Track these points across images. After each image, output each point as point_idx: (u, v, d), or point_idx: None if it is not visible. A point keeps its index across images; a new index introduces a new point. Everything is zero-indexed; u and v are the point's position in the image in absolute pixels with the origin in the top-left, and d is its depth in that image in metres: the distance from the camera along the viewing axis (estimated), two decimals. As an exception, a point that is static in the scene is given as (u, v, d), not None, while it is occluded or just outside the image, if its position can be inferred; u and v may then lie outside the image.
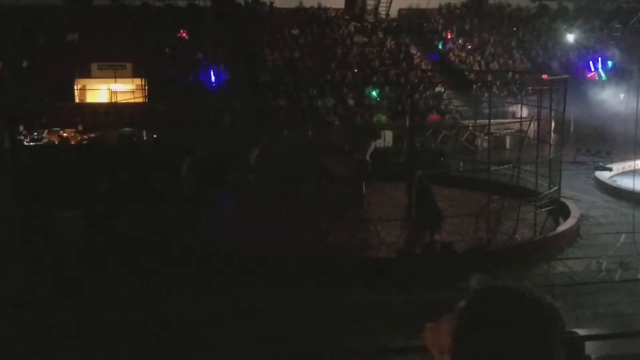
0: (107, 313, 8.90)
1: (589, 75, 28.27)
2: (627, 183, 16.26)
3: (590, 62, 29.37)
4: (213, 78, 25.85)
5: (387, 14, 32.68)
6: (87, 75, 26.48)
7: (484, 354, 1.33)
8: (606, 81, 27.65)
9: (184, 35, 28.18)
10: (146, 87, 23.18)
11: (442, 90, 27.46)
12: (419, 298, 8.94)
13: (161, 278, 10.24)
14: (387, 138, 21.49)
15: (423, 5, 33.37)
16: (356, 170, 14.42)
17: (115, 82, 26.11)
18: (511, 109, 24.38)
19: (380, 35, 30.78)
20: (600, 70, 29.24)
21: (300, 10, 31.86)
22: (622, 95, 23.86)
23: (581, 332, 4.12)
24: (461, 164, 18.85)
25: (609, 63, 29.53)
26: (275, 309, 9.05)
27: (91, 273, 10.46)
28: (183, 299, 9.52)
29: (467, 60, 29.84)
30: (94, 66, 26.30)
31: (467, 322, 1.36)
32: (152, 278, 10.22)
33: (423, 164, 13.91)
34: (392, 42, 30.24)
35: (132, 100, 23.95)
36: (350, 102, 25.71)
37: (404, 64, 28.64)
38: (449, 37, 31.37)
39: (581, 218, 13.45)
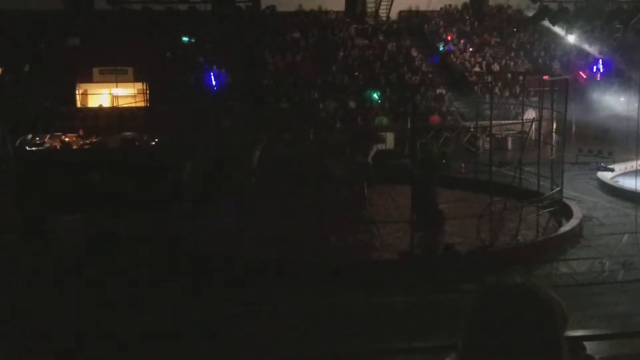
0: (108, 317, 8.90)
1: (583, 78, 28.18)
2: (629, 183, 16.23)
3: (595, 65, 29.33)
4: (214, 81, 25.87)
5: (388, 16, 32.70)
6: (89, 79, 26.49)
7: (494, 349, 1.34)
8: (607, 82, 27.60)
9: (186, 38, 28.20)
10: (147, 91, 23.18)
11: (443, 92, 27.45)
12: (422, 300, 8.94)
13: (161, 281, 10.22)
14: (389, 140, 21.48)
15: (423, 7, 33.40)
16: (358, 172, 14.43)
17: (117, 86, 26.13)
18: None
19: (381, 37, 30.79)
20: (601, 70, 29.19)
21: (300, 13, 31.89)
22: (622, 99, 23.83)
23: (584, 332, 4.12)
24: (463, 165, 18.85)
25: (610, 63, 29.50)
26: (276, 312, 9.05)
27: (92, 277, 10.46)
28: (183, 302, 9.50)
29: (468, 62, 29.84)
30: (95, 71, 26.33)
31: (478, 318, 1.38)
32: (152, 281, 10.21)
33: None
34: (393, 44, 30.26)
35: (134, 104, 23.97)
36: (352, 104, 25.72)
37: (404, 66, 28.65)
38: (449, 38, 31.38)
39: (584, 219, 13.42)
